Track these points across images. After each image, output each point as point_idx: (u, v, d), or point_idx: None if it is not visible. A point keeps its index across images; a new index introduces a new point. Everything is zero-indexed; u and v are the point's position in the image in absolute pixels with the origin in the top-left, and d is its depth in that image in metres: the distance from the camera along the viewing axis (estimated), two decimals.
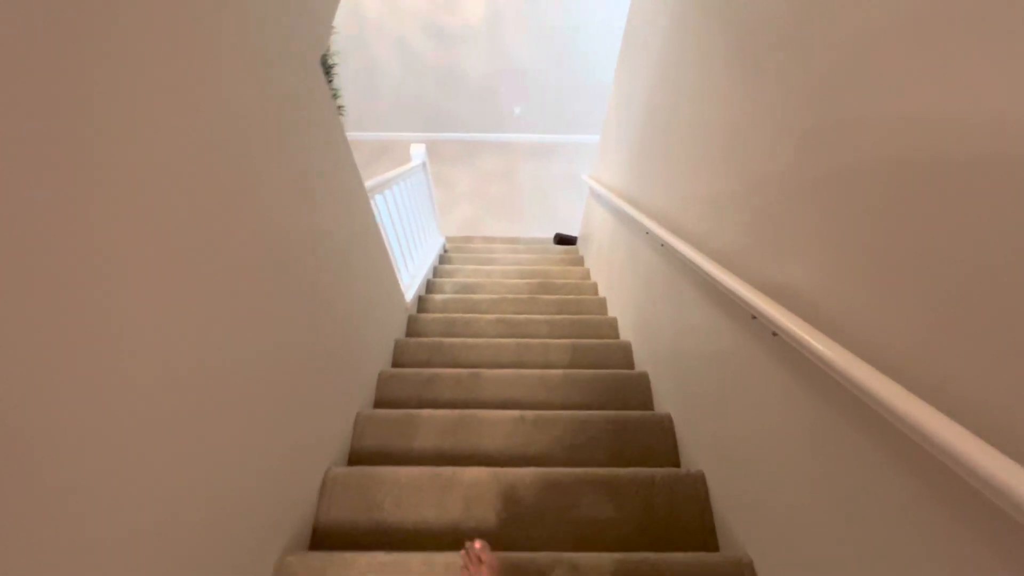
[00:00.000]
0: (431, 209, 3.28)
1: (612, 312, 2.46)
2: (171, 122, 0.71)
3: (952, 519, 0.57)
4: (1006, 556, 0.51)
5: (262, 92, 0.97)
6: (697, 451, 1.38)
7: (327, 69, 4.45)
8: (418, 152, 2.82)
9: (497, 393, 1.75)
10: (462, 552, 0.95)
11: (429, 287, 2.82)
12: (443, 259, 3.42)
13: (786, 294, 0.90)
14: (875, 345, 0.69)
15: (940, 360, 0.59)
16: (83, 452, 0.57)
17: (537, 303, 2.56)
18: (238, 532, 0.90)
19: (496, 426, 1.52)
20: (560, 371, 1.84)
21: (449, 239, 4.01)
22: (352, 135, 5.31)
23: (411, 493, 1.25)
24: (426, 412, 1.56)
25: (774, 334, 0.93)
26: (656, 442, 1.52)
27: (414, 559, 1.04)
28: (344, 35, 4.52)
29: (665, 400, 1.65)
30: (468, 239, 4.16)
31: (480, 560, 0.92)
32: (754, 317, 0.94)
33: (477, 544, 0.94)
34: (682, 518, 1.24)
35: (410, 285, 2.47)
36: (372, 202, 1.88)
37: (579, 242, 3.80)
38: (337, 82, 4.76)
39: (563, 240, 3.98)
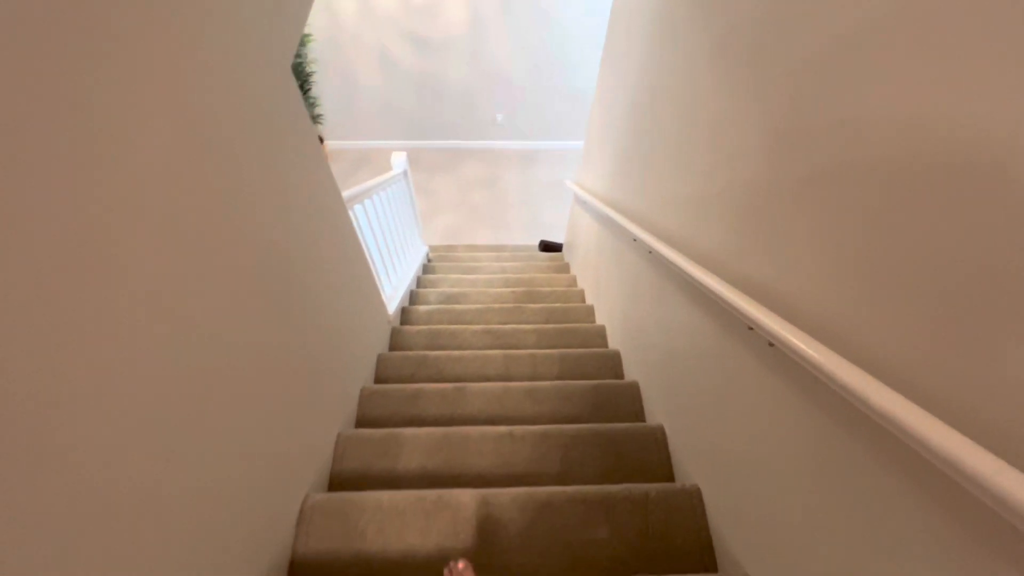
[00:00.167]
0: (413, 218, 3.22)
1: (600, 320, 2.43)
2: (141, 130, 0.66)
3: (972, 541, 0.54)
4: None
5: (233, 98, 0.91)
6: (692, 464, 1.34)
7: (305, 77, 4.38)
8: (399, 160, 2.77)
9: (484, 408, 1.69)
10: (445, 570, 0.91)
11: (412, 298, 2.75)
12: (426, 268, 3.35)
13: (758, 290, 0.91)
14: (862, 346, 0.69)
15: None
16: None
17: (523, 312, 2.51)
18: (207, 568, 0.83)
19: (483, 443, 1.46)
20: (548, 383, 1.79)
21: (432, 248, 3.95)
22: (332, 144, 5.25)
23: (395, 519, 1.18)
24: (410, 431, 1.49)
25: (770, 344, 0.89)
26: (649, 455, 1.48)
27: None
28: (322, 43, 4.46)
29: (657, 411, 1.61)
30: (452, 248, 4.11)
31: None
32: (751, 328, 0.90)
33: (460, 564, 0.90)
34: (678, 536, 1.19)
35: (393, 297, 2.41)
36: (351, 212, 1.82)
37: (564, 249, 3.77)
38: (316, 90, 4.70)
39: (548, 247, 3.94)
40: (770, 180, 0.92)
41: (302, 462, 1.23)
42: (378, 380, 1.92)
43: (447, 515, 1.19)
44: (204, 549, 0.82)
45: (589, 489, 1.26)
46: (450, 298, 2.77)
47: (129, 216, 0.66)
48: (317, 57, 4.55)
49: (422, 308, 2.53)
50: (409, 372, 1.94)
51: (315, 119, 4.80)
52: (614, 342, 2.16)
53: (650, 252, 1.59)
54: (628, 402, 1.74)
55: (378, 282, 2.11)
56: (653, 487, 1.27)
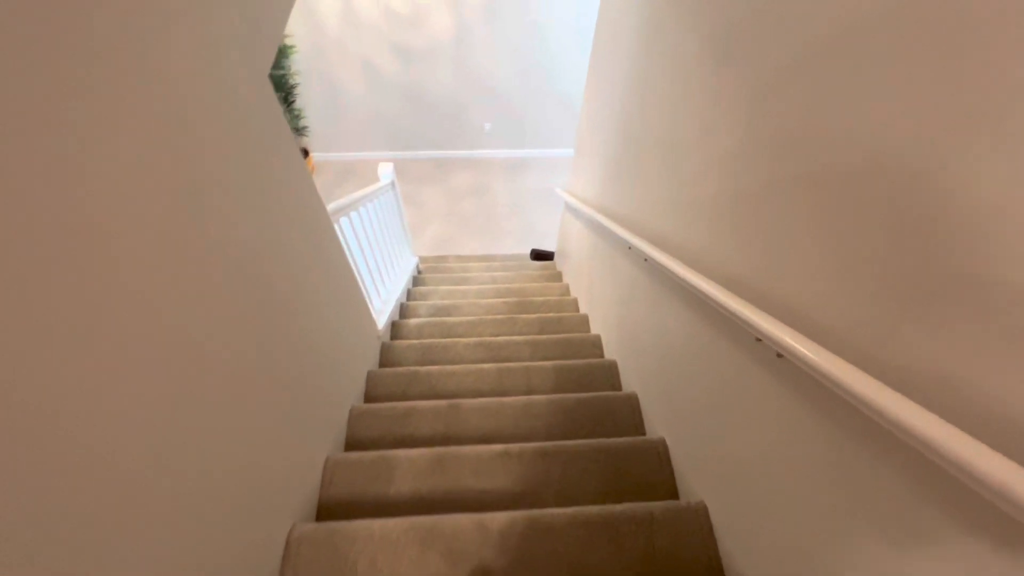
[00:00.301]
0: (402, 230, 3.16)
1: (595, 329, 2.38)
2: (107, 143, 0.61)
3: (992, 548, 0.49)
4: None
5: (207, 108, 0.86)
6: (697, 479, 1.29)
7: (289, 89, 4.33)
8: (386, 171, 2.71)
9: (479, 425, 1.63)
10: None
11: (403, 311, 2.69)
12: (417, 281, 3.29)
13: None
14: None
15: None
16: None
17: (517, 323, 2.46)
18: None
19: (479, 463, 1.40)
20: (544, 397, 1.73)
21: (422, 259, 3.89)
22: (318, 156, 5.18)
23: (388, 550, 1.12)
24: (402, 452, 1.42)
25: (779, 355, 0.85)
26: (651, 471, 1.42)
27: None
28: (306, 54, 4.41)
29: (658, 423, 1.56)
30: (442, 258, 4.05)
31: None
32: (759, 339, 0.85)
33: None
34: (686, 558, 1.14)
35: (382, 311, 2.34)
36: (337, 225, 1.76)
37: (556, 257, 3.73)
38: (300, 102, 4.65)
39: (540, 256, 3.90)
40: (762, 182, 0.89)
41: (287, 490, 1.16)
42: (368, 398, 1.85)
43: (443, 543, 1.13)
44: None
45: (591, 510, 1.20)
46: (441, 310, 2.71)
47: (93, 235, 0.60)
48: (301, 69, 4.49)
49: (413, 322, 2.47)
50: (400, 389, 1.87)
51: (300, 131, 4.74)
52: (610, 352, 2.12)
53: (646, 260, 1.55)
54: (627, 414, 1.69)
55: (367, 296, 2.04)
56: (657, 506, 1.22)
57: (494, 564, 1.11)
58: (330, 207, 1.67)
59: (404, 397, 1.85)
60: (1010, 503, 0.44)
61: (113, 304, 0.63)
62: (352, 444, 1.59)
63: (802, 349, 0.74)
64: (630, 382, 1.84)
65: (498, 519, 1.18)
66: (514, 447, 1.44)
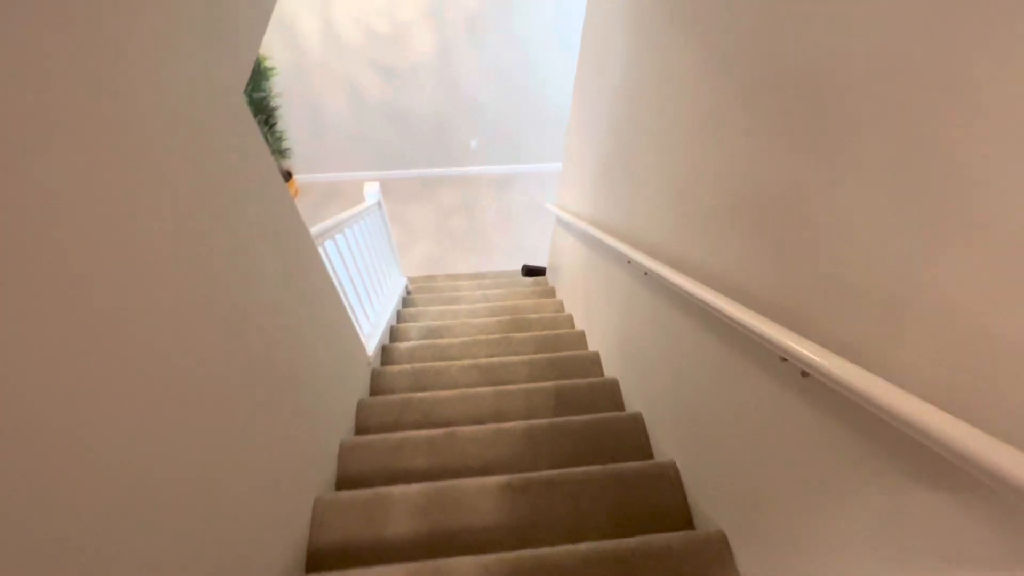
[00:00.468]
0: (390, 250, 3.08)
1: (593, 346, 2.31)
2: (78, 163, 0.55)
3: None
4: None
5: (172, 126, 0.78)
6: (712, 505, 1.21)
7: (271, 111, 4.26)
8: (372, 191, 2.64)
9: (478, 455, 1.54)
10: None
11: (393, 334, 2.60)
12: (406, 302, 3.20)
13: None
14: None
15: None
16: None
17: (512, 343, 2.38)
18: None
19: (480, 498, 1.31)
20: (545, 421, 1.65)
21: (411, 279, 3.80)
22: (302, 178, 5.10)
23: None
24: (398, 490, 1.33)
25: (804, 374, 0.79)
26: (663, 497, 1.34)
27: None
28: (287, 75, 4.35)
29: (666, 445, 1.48)
30: (431, 278, 3.97)
31: None
32: (784, 359, 0.78)
33: None
34: None
35: (372, 335, 2.25)
36: (321, 248, 1.68)
37: (548, 272, 3.67)
38: (282, 124, 4.58)
39: (531, 271, 3.84)
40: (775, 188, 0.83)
41: (273, 539, 1.06)
42: (359, 430, 1.75)
43: None
44: None
45: (604, 547, 1.12)
46: (433, 332, 2.62)
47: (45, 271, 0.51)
48: (282, 90, 4.43)
49: (403, 345, 2.38)
50: (393, 419, 1.78)
51: (282, 153, 4.66)
52: (610, 369, 2.04)
53: (646, 273, 1.49)
54: (633, 436, 1.61)
55: (355, 322, 1.95)
56: (675, 538, 1.14)
57: None
58: (314, 230, 1.59)
59: (397, 427, 1.75)
60: None
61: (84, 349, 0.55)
62: (343, 481, 1.49)
63: (830, 366, 0.68)
64: (633, 401, 1.76)
65: (504, 562, 1.09)
66: (517, 478, 1.36)
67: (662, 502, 1.34)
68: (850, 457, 0.73)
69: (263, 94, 4.17)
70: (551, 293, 3.33)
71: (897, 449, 0.64)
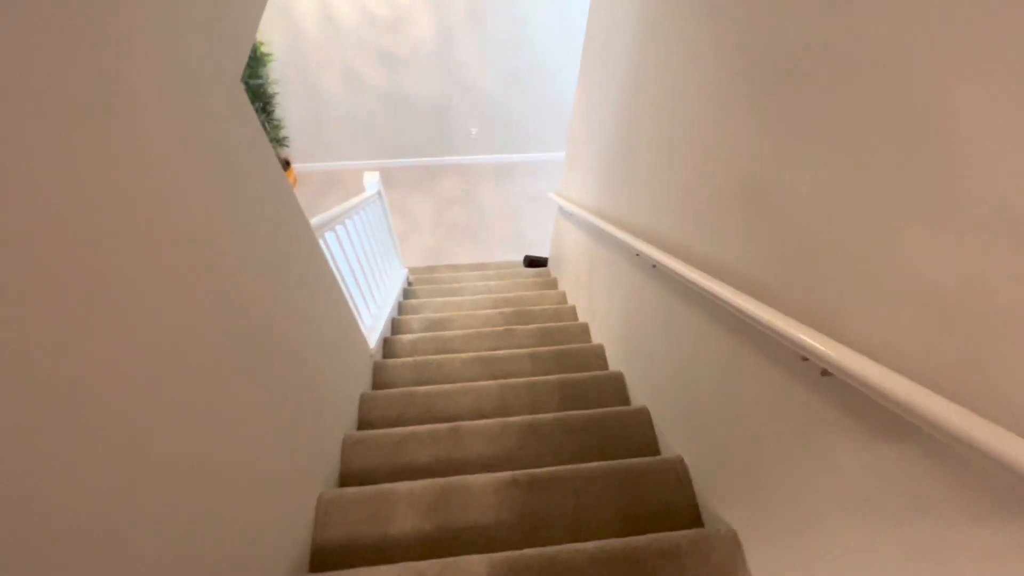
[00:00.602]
0: (391, 241, 3.04)
1: (597, 338, 2.28)
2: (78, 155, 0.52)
3: None
4: None
5: (168, 110, 0.74)
6: (721, 502, 1.19)
7: (268, 99, 4.20)
8: (372, 181, 2.60)
9: (482, 450, 1.52)
10: None
11: (395, 327, 2.57)
12: (408, 293, 3.17)
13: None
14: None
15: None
16: None
17: (515, 335, 2.36)
18: None
19: (486, 494, 1.29)
20: (550, 416, 1.62)
21: (412, 270, 3.77)
22: (300, 167, 5.04)
23: None
24: (402, 486, 1.31)
25: (824, 372, 0.76)
26: (671, 493, 1.33)
27: None
28: (285, 62, 4.28)
29: (673, 440, 1.46)
30: (432, 268, 3.93)
31: None
32: (805, 359, 0.76)
33: None
34: None
35: (373, 327, 2.22)
36: (322, 240, 1.64)
37: (551, 263, 3.63)
38: (280, 112, 4.51)
39: (533, 262, 3.81)
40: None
41: (275, 537, 1.04)
42: (362, 424, 1.73)
43: None
44: None
45: (613, 545, 1.10)
46: (435, 324, 2.59)
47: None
48: (280, 77, 4.36)
49: (406, 338, 2.35)
50: (396, 413, 1.76)
51: (280, 142, 4.60)
52: (615, 362, 2.02)
53: (654, 266, 1.46)
54: (639, 431, 1.60)
55: (356, 314, 1.93)
56: (684, 536, 1.12)
57: None
58: (314, 221, 1.55)
59: (401, 421, 1.73)
60: None
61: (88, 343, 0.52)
62: (347, 477, 1.47)
63: (852, 364, 0.65)
64: (639, 395, 1.74)
65: (511, 560, 1.07)
66: (522, 474, 1.34)
67: (670, 499, 1.32)
68: (869, 458, 0.71)
69: (260, 81, 4.10)
70: (553, 284, 3.30)
71: (921, 452, 0.61)
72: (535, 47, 4.51)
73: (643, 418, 1.62)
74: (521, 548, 1.15)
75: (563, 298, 2.97)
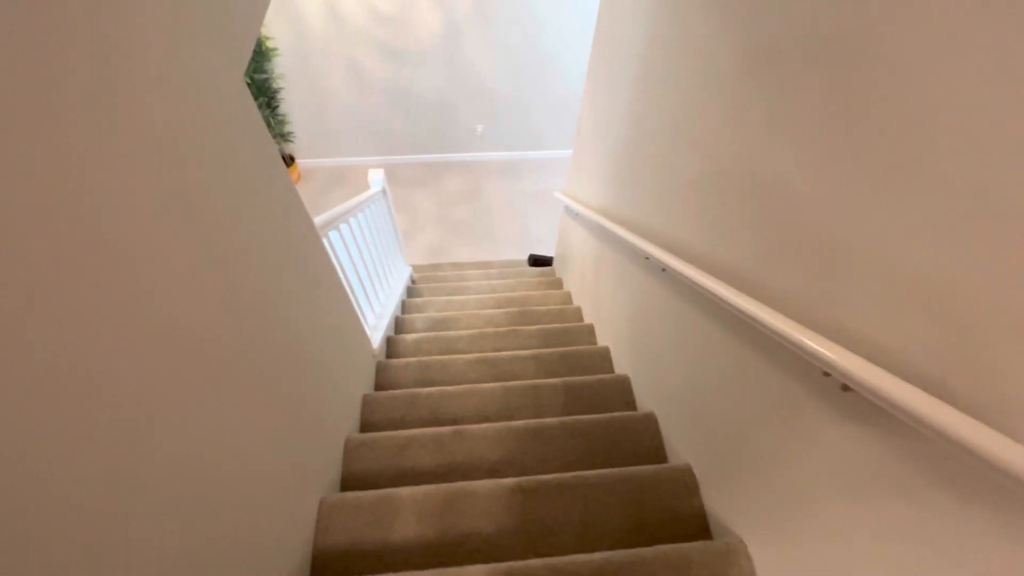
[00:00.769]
0: (395, 238, 3.02)
1: (603, 340, 2.25)
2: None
3: None
4: None
5: (178, 108, 0.72)
6: (730, 513, 1.17)
7: (273, 94, 4.17)
8: (377, 177, 2.57)
9: (486, 454, 1.50)
10: None
11: (398, 325, 2.55)
12: (411, 291, 3.15)
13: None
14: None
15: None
16: None
17: (519, 336, 2.33)
18: None
19: (490, 501, 1.27)
20: (555, 420, 1.60)
21: (416, 268, 3.75)
22: (305, 163, 5.02)
23: None
24: (405, 491, 1.29)
25: (845, 388, 0.73)
26: (679, 502, 1.30)
27: None
28: (290, 58, 4.25)
29: (681, 447, 1.43)
30: (437, 266, 3.91)
31: None
32: (827, 374, 0.73)
33: None
34: None
35: (377, 327, 2.20)
36: (325, 239, 1.62)
37: (556, 262, 3.60)
38: (284, 107, 4.49)
39: (538, 261, 3.77)
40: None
41: (277, 542, 1.02)
42: (365, 426, 1.71)
43: None
44: None
45: (621, 556, 1.08)
46: (439, 323, 2.57)
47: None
48: (285, 72, 4.33)
49: (409, 337, 2.33)
50: (399, 415, 1.73)
51: (285, 137, 4.57)
52: (621, 365, 1.99)
53: (664, 270, 1.43)
54: (646, 437, 1.57)
55: (360, 313, 1.90)
56: (694, 548, 1.09)
57: None
58: (318, 220, 1.53)
59: (403, 423, 1.71)
60: None
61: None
62: (349, 479, 1.45)
63: (876, 381, 0.62)
64: (646, 400, 1.71)
65: (516, 571, 1.04)
66: (527, 481, 1.31)
67: (677, 508, 1.29)
68: (890, 470, 0.68)
69: (265, 75, 4.07)
70: (558, 284, 3.27)
71: (945, 470, 0.58)
72: (542, 43, 4.46)
73: (650, 424, 1.60)
74: (526, 557, 1.13)
75: (568, 298, 2.94)
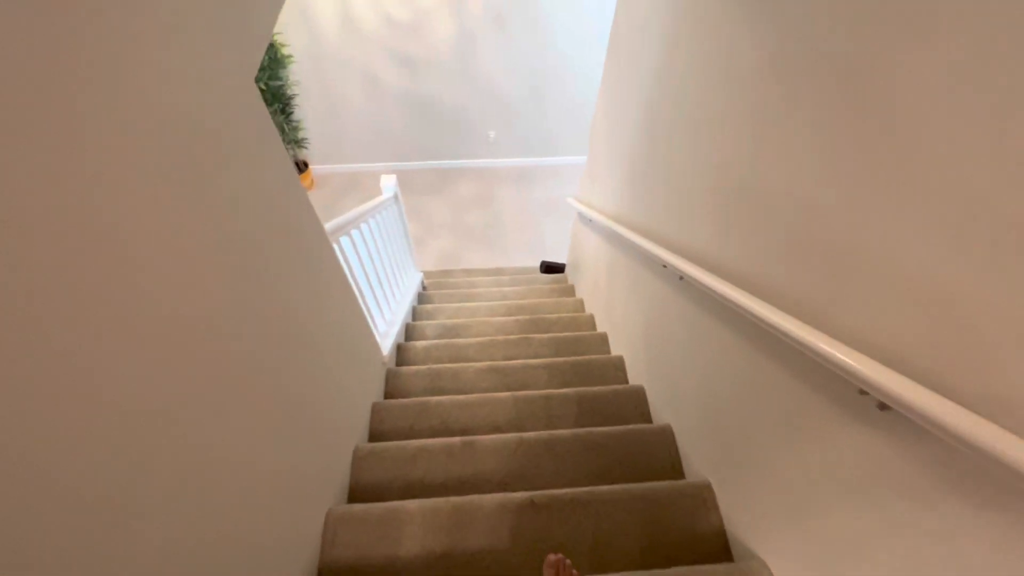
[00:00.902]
0: (406, 244, 3.00)
1: (616, 350, 2.21)
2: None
3: None
4: None
5: (186, 115, 0.70)
6: (752, 533, 1.11)
7: (287, 100, 4.21)
8: (389, 184, 2.56)
9: (497, 467, 1.46)
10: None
11: (408, 332, 2.52)
12: (422, 298, 3.13)
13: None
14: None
15: None
16: None
17: (531, 344, 2.29)
18: None
19: (501, 517, 1.23)
20: (568, 432, 1.56)
21: (427, 274, 3.73)
22: (318, 168, 5.05)
23: None
24: (413, 505, 1.25)
25: (883, 407, 0.68)
26: (697, 520, 1.25)
27: None
28: (304, 64, 4.28)
29: (699, 462, 1.38)
30: (447, 273, 3.89)
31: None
32: (864, 392, 0.68)
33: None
34: None
35: (387, 334, 2.18)
36: (336, 245, 1.60)
37: (568, 270, 3.56)
38: (299, 113, 4.52)
39: (550, 268, 3.74)
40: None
41: (281, 554, 0.99)
42: (373, 435, 1.68)
43: None
44: None
45: None
46: (449, 331, 2.54)
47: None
48: (300, 79, 4.36)
49: (419, 344, 2.30)
50: (408, 424, 1.70)
51: (299, 143, 4.60)
52: (635, 376, 1.94)
53: (681, 279, 1.39)
54: (662, 451, 1.52)
55: (370, 320, 1.88)
56: (714, 572, 1.04)
57: None
58: (329, 226, 1.51)
59: (413, 433, 1.68)
60: None
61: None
62: (356, 491, 1.42)
63: (926, 405, 0.58)
64: (662, 412, 1.66)
65: None
66: (539, 496, 1.27)
67: (695, 526, 1.24)
68: (927, 493, 0.63)
69: (280, 82, 4.11)
70: (570, 291, 3.23)
71: (994, 488, 0.53)
72: (555, 50, 4.45)
73: (666, 437, 1.55)
74: None
75: (580, 306, 2.90)
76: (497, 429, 1.68)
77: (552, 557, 1.02)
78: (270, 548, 0.95)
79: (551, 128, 5.01)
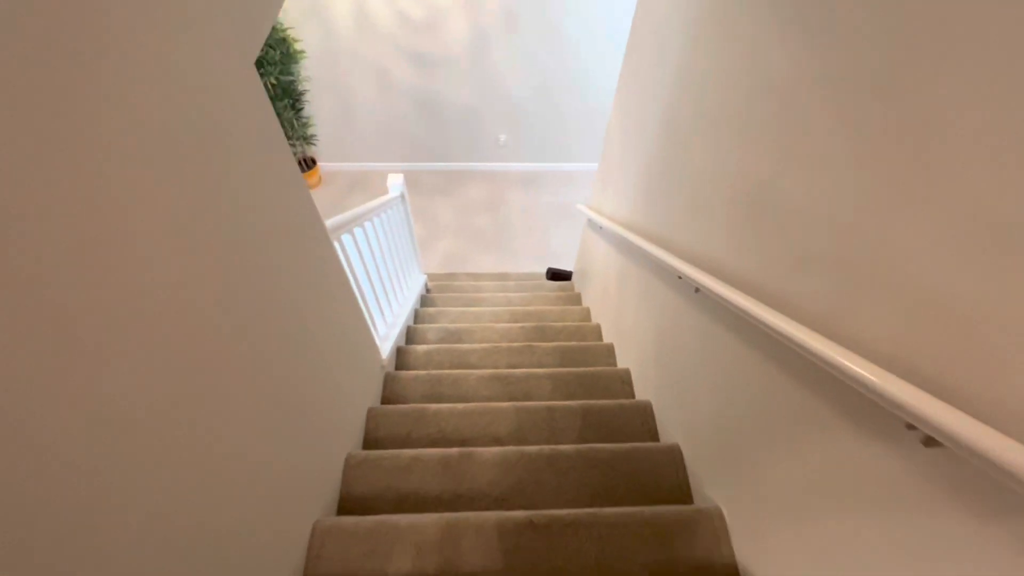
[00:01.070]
0: (411, 245, 2.94)
1: (623, 362, 2.13)
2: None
3: None
4: None
5: (183, 99, 0.64)
6: (767, 568, 1.04)
7: (298, 96, 4.18)
8: (395, 183, 2.50)
9: (495, 481, 1.39)
10: None
11: (409, 335, 2.46)
12: (425, 300, 3.06)
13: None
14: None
15: None
16: None
17: (535, 353, 2.22)
18: None
19: (497, 538, 1.16)
20: (572, 447, 1.48)
21: (431, 276, 3.67)
22: (326, 166, 5.01)
23: None
24: (405, 520, 1.18)
25: (930, 442, 0.61)
26: (707, 549, 1.17)
27: None
28: (316, 60, 4.25)
29: (709, 487, 1.30)
30: (452, 276, 3.82)
31: None
32: (912, 426, 0.61)
33: None
34: None
35: (387, 336, 2.11)
36: (338, 243, 1.54)
37: (575, 277, 3.49)
38: (309, 109, 4.49)
39: (557, 275, 3.67)
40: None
41: (259, 563, 0.92)
42: (368, 442, 1.61)
43: None
44: None
45: None
46: (452, 335, 2.47)
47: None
48: (311, 75, 4.33)
49: (420, 348, 2.23)
50: (405, 431, 1.63)
51: (308, 140, 4.57)
52: (643, 390, 1.87)
53: (697, 290, 1.32)
54: (670, 472, 1.44)
55: (370, 321, 1.82)
56: None
57: None
58: (330, 223, 1.45)
59: (409, 441, 1.61)
60: None
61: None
62: (347, 502, 1.35)
63: (955, 427, 0.51)
64: (670, 430, 1.59)
65: None
66: (539, 516, 1.20)
67: (705, 557, 1.16)
68: (966, 525, 0.56)
69: (291, 77, 4.07)
70: (577, 300, 3.15)
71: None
72: (569, 55, 4.39)
73: (675, 457, 1.47)
74: None
75: (587, 315, 2.82)
76: (497, 441, 1.61)
77: None
78: (252, 559, 0.88)
79: (563, 134, 4.95)
